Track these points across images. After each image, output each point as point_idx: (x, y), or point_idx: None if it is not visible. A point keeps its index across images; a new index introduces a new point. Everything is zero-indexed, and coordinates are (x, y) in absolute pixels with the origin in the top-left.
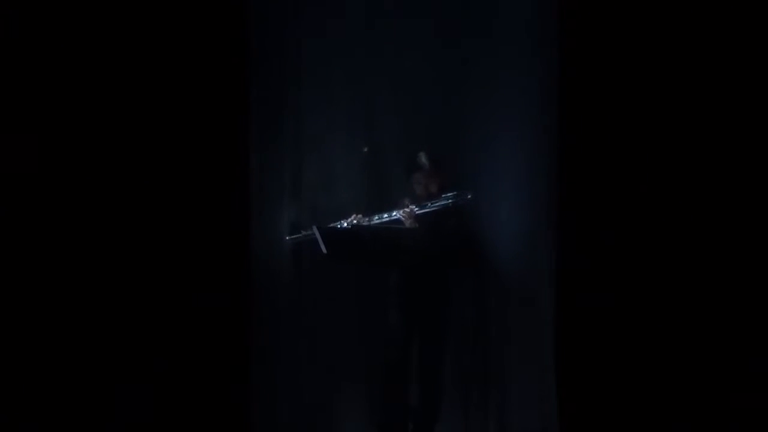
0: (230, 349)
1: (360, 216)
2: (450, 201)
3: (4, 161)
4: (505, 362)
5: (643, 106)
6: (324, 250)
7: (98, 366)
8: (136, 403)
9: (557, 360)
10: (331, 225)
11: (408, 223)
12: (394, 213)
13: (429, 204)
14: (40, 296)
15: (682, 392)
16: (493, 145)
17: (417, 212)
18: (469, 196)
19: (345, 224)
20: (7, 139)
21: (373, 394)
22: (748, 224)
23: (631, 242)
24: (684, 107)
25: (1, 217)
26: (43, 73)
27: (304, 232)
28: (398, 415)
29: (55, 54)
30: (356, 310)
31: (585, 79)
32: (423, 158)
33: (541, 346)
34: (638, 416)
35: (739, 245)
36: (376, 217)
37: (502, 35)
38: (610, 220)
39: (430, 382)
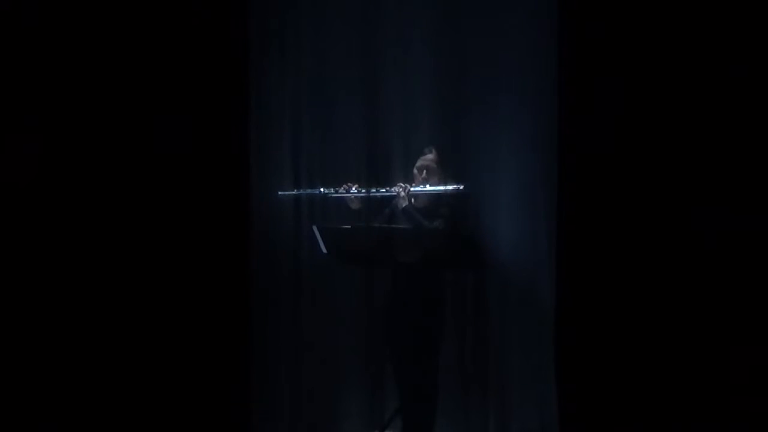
0: (230, 347)
1: (356, 186)
2: (445, 188)
3: (3, 160)
4: (505, 362)
5: (644, 105)
6: (324, 250)
7: (97, 364)
8: (135, 399)
9: (557, 360)
10: (331, 226)
11: (401, 201)
12: (392, 188)
13: (424, 186)
14: (35, 291)
15: (682, 392)
16: (493, 145)
17: (411, 190)
18: (461, 187)
19: (341, 191)
20: (6, 137)
21: (373, 393)
22: (748, 223)
23: (632, 242)
24: (685, 108)
25: (1, 216)
26: (42, 66)
27: (296, 191)
28: (395, 413)
29: (54, 46)
30: (356, 309)
31: (586, 78)
32: (428, 151)
33: (541, 346)
34: (638, 416)
35: (740, 246)
36: (373, 190)
37: (503, 31)
38: (611, 220)
39: (423, 381)
